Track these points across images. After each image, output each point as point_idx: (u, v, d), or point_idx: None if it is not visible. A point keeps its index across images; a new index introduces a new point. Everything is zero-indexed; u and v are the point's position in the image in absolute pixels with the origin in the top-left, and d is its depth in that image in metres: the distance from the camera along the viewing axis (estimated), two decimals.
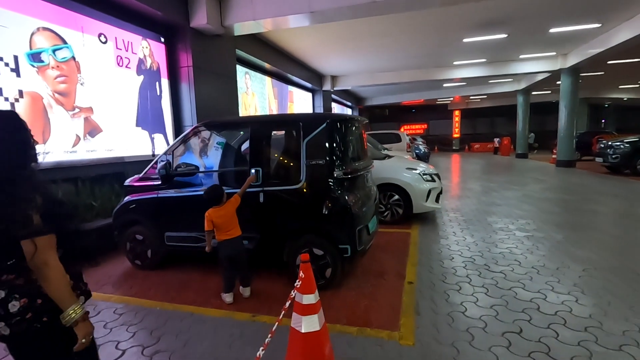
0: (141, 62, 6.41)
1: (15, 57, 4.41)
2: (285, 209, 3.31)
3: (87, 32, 5.38)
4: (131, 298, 3.29)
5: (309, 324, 1.90)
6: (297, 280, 1.92)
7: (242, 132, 3.93)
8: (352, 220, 3.14)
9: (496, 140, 26.12)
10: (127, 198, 4.03)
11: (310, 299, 1.92)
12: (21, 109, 4.45)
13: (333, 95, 17.64)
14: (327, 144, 3.20)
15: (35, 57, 4.64)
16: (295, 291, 1.93)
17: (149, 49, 6.58)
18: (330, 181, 3.16)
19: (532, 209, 6.69)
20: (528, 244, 4.55)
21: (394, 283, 3.43)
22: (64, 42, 5.03)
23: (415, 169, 5.75)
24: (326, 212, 3.14)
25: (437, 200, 5.83)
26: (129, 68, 6.15)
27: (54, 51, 4.89)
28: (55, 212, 1.25)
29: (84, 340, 1.25)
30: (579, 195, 8.17)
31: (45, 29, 4.78)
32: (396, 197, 5.60)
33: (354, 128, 3.65)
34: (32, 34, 4.62)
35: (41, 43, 4.72)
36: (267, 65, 11.05)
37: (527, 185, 9.69)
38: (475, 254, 4.21)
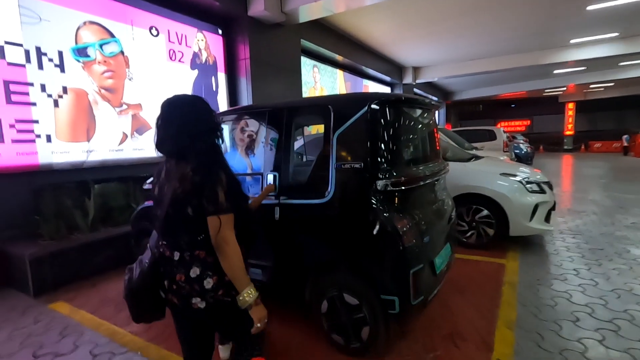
0: (196, 55, 6.06)
1: (60, 53, 4.27)
2: (306, 232, 2.31)
3: (137, 25, 5.14)
4: (119, 329, 2.66)
5: None
6: None
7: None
8: (402, 258, 2.00)
9: (624, 137, 21.00)
10: (145, 203, 3.50)
11: None
12: (65, 106, 4.31)
13: (415, 89, 15.93)
14: (367, 139, 2.10)
15: (81, 52, 4.48)
16: None
17: (205, 42, 6.21)
18: (373, 195, 2.06)
19: None
20: None
21: (473, 357, 2.18)
22: (112, 35, 4.83)
23: (515, 175, 4.20)
24: (362, 243, 2.07)
25: (547, 219, 4.19)
26: (182, 62, 5.83)
27: (101, 45, 4.70)
28: (234, 191, 1.32)
29: (259, 325, 1.29)
30: None
31: (92, 22, 4.60)
32: (485, 212, 4.14)
33: (414, 114, 2.48)
34: (78, 28, 4.46)
35: (87, 37, 4.56)
36: (338, 58, 10.15)
37: None
38: (618, 315, 2.63)
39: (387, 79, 13.76)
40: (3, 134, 3.80)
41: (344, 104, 2.26)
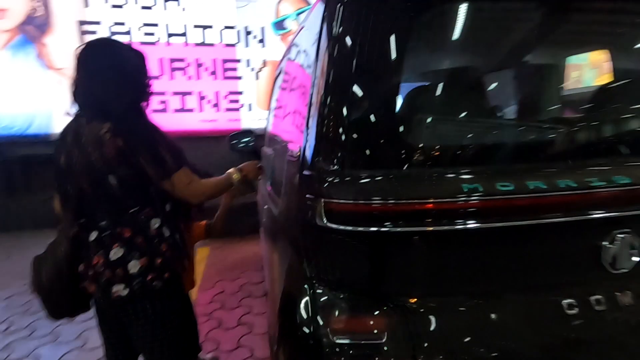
0: None
1: (262, 29, 4.77)
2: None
3: None
4: None
5: None
6: None
7: None
8: None
9: None
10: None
11: None
12: (263, 77, 4.85)
13: None
14: (316, 79, 0.84)
15: (279, 25, 4.81)
16: None
17: None
18: (305, 231, 0.83)
19: None
20: None
21: None
22: (308, 3, 4.86)
23: None
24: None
25: None
26: None
27: (297, 15, 4.86)
28: (175, 152, 1.18)
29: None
30: None
31: None
32: None
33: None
34: (279, 2, 4.78)
35: (286, 9, 4.81)
36: None
37: None
38: None
39: None
40: (219, 104, 4.78)
41: None
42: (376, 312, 0.74)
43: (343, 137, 0.75)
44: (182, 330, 1.27)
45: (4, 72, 4.22)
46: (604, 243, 0.78)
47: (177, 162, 1.13)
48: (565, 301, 0.76)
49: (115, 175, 1.06)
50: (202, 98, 4.71)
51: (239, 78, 4.79)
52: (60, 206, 1.17)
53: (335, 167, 0.75)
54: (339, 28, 0.77)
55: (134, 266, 1.09)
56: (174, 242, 1.18)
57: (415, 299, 0.75)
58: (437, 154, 0.74)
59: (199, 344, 1.89)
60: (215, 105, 4.77)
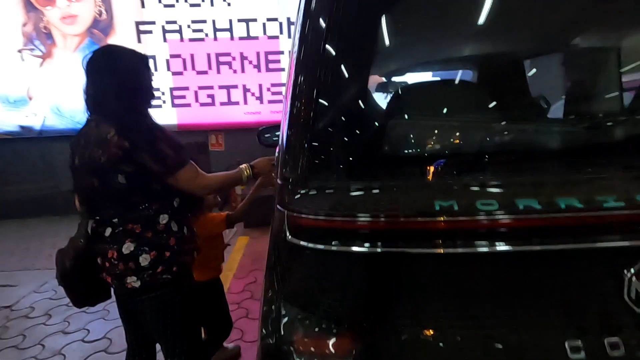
0: None
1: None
2: None
3: None
4: None
5: None
6: None
7: None
8: None
9: None
10: None
11: None
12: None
13: None
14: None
15: None
16: None
17: None
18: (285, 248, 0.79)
19: None
20: None
21: None
22: None
23: None
24: None
25: None
26: None
27: None
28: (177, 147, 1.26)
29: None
30: None
31: None
32: None
33: None
34: None
35: None
36: None
37: None
38: None
39: None
40: (262, 96, 4.87)
41: None
42: (340, 336, 0.69)
43: (308, 144, 0.69)
44: (192, 319, 1.34)
45: (77, 73, 4.71)
46: (627, 274, 0.63)
47: (179, 157, 1.19)
48: (570, 343, 0.63)
49: (123, 174, 1.14)
50: (246, 91, 4.84)
51: (282, 70, 4.82)
52: (79, 203, 1.27)
53: (301, 177, 0.70)
54: (313, 7, 0.71)
55: (144, 259, 1.18)
56: (182, 236, 1.27)
57: (386, 325, 0.68)
58: (412, 164, 0.65)
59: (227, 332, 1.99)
60: (259, 97, 4.87)
